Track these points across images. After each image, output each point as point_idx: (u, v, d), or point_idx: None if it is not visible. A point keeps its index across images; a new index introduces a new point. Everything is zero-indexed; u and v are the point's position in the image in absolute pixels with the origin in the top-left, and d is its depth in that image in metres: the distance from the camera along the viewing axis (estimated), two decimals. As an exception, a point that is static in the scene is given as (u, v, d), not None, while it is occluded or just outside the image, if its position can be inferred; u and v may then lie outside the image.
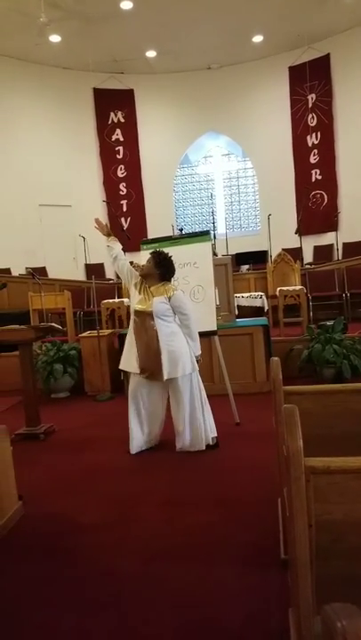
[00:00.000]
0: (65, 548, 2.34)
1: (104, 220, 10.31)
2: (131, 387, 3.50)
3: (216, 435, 3.51)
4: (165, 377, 3.29)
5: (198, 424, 3.39)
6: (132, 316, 3.41)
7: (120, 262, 3.55)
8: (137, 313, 3.36)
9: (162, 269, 3.38)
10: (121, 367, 3.53)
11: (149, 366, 3.32)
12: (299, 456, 1.16)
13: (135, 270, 3.55)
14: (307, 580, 1.22)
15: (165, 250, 4.26)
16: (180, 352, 3.29)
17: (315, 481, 1.19)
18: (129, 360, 3.42)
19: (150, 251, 3.54)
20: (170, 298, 3.32)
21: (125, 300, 6.87)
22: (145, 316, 3.31)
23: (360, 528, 1.23)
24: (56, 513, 2.70)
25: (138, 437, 3.49)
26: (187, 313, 3.36)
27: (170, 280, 3.45)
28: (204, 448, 3.41)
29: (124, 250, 7.28)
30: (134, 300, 3.41)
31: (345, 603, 1.31)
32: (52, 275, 8.94)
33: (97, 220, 3.73)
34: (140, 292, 3.40)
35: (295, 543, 1.22)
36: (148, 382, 3.41)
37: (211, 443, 3.46)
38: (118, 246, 3.61)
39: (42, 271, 8.77)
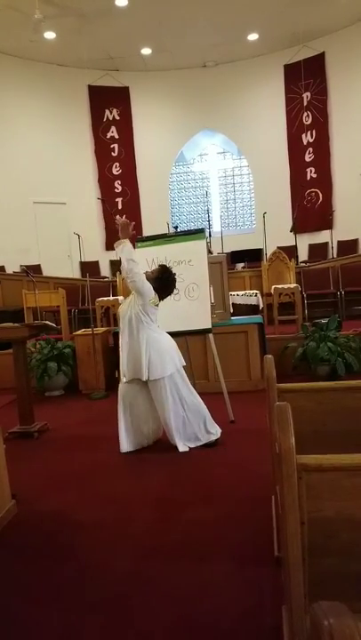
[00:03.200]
0: (58, 546, 2.33)
1: (99, 216, 10.28)
2: (121, 390, 3.50)
3: (218, 436, 3.50)
4: (144, 378, 3.31)
5: (179, 424, 3.40)
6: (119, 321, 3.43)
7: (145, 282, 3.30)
8: (121, 317, 3.38)
9: (158, 283, 3.38)
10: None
11: (135, 369, 3.35)
12: (291, 453, 1.16)
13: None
14: (299, 578, 1.22)
15: (160, 247, 4.26)
16: (160, 354, 3.31)
17: (307, 478, 1.19)
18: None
19: (160, 262, 3.55)
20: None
21: (120, 297, 6.86)
22: (128, 319, 3.33)
23: (352, 525, 1.23)
24: (49, 511, 2.69)
25: (127, 437, 3.49)
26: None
27: (161, 298, 3.42)
28: (185, 449, 3.40)
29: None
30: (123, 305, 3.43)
31: (334, 601, 1.32)
32: (46, 272, 8.91)
33: (119, 219, 3.32)
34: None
35: (287, 541, 1.22)
36: (137, 384, 3.43)
37: (208, 441, 3.46)
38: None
39: (36, 269, 8.73)
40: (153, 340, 3.32)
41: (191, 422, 3.44)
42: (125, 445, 3.48)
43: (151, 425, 3.56)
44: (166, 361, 3.33)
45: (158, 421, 3.56)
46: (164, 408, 3.36)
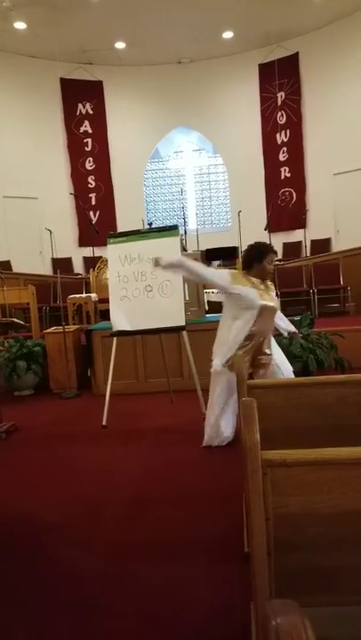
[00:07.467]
0: (29, 549, 2.29)
1: (72, 212, 10.10)
2: (227, 384, 3.20)
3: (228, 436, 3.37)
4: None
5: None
6: (260, 310, 3.10)
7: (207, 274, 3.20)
8: (267, 307, 3.14)
9: (246, 261, 3.19)
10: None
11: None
12: (255, 449, 1.14)
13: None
14: (264, 574, 1.21)
15: (133, 244, 4.21)
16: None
17: (272, 474, 1.17)
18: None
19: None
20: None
21: (93, 295, 6.75)
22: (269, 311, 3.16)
23: (317, 520, 1.22)
24: (20, 514, 2.62)
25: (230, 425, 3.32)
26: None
27: (251, 267, 3.19)
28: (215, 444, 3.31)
29: (94, 244, 7.15)
30: (252, 294, 3.09)
31: (301, 595, 1.31)
32: (16, 269, 8.69)
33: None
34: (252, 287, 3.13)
35: (252, 537, 1.20)
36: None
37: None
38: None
39: (6, 265, 8.51)
40: None
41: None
42: (229, 433, 3.30)
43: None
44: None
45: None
46: None
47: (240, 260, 7.68)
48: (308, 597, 1.29)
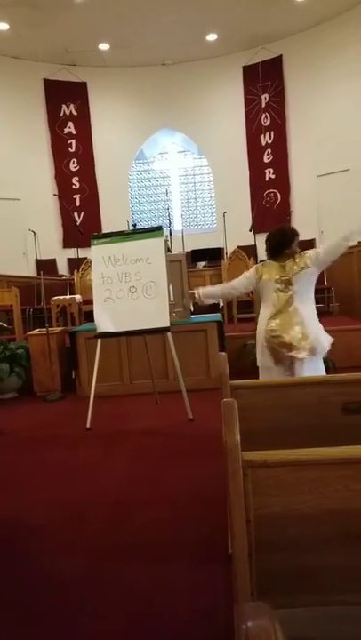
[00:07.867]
0: (14, 552, 2.26)
1: (56, 213, 10.01)
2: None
3: None
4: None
5: None
6: None
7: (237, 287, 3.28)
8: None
9: (279, 247, 3.14)
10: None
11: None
12: (236, 450, 1.14)
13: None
14: (245, 575, 1.21)
15: (117, 245, 4.18)
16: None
17: (252, 475, 1.17)
18: None
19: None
20: None
21: (77, 296, 6.70)
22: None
23: (298, 520, 1.23)
24: (3, 517, 2.58)
25: None
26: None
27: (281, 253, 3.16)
28: None
29: (79, 245, 7.06)
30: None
31: (283, 596, 1.31)
32: (-1, 271, 8.58)
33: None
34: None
35: (234, 538, 1.20)
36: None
37: None
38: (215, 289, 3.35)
39: (-11, 267, 8.38)
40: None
41: None
42: None
43: None
44: None
45: None
46: None
47: (225, 259, 7.69)
48: (290, 598, 1.29)
